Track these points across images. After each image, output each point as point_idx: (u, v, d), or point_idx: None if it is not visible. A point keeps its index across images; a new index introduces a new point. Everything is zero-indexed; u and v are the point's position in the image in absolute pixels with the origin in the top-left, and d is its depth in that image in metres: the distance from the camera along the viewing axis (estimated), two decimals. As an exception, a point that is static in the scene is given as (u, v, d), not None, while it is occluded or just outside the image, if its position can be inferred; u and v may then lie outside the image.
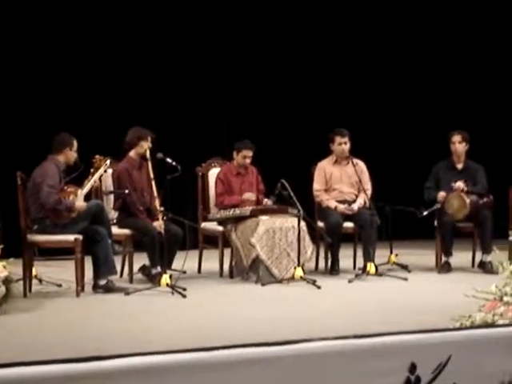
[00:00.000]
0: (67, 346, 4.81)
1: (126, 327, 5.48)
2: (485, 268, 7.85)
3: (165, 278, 6.66)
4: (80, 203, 6.78)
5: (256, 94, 10.57)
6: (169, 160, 7.31)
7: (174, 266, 7.37)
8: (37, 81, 9.38)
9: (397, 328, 4.17)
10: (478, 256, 8.09)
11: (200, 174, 8.09)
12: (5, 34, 9.25)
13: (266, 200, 7.81)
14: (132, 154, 7.51)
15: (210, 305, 6.43)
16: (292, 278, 7.20)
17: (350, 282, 7.31)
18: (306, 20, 10.69)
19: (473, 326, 4.27)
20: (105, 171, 7.21)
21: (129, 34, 9.87)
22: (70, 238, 6.72)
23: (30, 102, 9.35)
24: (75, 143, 6.95)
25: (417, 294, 6.80)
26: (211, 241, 8.01)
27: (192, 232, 8.62)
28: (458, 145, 8.14)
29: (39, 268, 7.31)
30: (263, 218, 7.48)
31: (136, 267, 7.44)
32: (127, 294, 6.65)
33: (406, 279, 7.41)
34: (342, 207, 7.93)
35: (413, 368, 3.01)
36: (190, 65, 10.25)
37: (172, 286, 6.63)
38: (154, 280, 6.95)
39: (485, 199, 7.96)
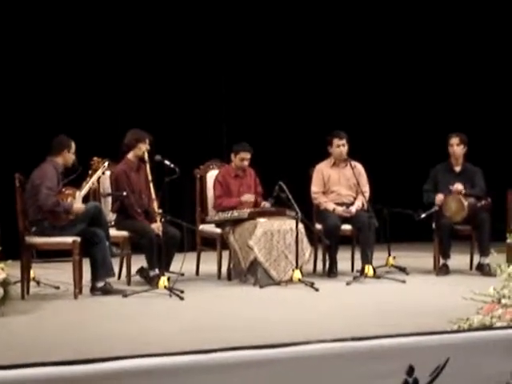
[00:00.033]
0: (65, 348, 4.81)
1: (123, 329, 5.48)
2: (483, 270, 7.85)
3: (163, 280, 6.66)
4: (78, 205, 6.78)
5: (254, 97, 10.58)
6: (167, 162, 7.31)
7: (171, 268, 7.36)
8: (35, 83, 9.39)
9: (395, 330, 4.18)
10: (476, 258, 8.10)
11: (198, 176, 8.09)
12: (4, 37, 9.25)
13: (264, 202, 7.81)
14: (130, 156, 7.51)
15: (207, 307, 6.42)
16: (290, 281, 7.20)
17: (347, 284, 7.31)
18: (305, 22, 10.70)
19: (471, 329, 4.27)
20: (103, 173, 7.20)
21: (127, 35, 9.89)
22: (68, 240, 6.71)
23: (29, 104, 9.36)
24: (73, 145, 6.95)
25: (415, 297, 6.79)
26: (209, 243, 8.01)
27: (190, 234, 8.64)
28: (456, 147, 8.14)
29: (37, 270, 7.31)
30: (261, 220, 7.48)
31: (134, 269, 7.44)
32: (125, 296, 6.65)
33: (403, 282, 7.40)
34: (340, 209, 7.93)
35: (411, 370, 3.01)
36: (189, 67, 10.26)
37: (170, 289, 6.62)
38: (152, 282, 6.95)
39: (483, 202, 7.96)
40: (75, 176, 6.97)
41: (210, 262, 7.89)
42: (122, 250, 7.47)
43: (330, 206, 7.96)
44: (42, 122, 9.12)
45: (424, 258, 8.57)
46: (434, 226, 8.07)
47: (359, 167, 8.16)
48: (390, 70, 11.02)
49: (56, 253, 7.37)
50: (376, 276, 7.49)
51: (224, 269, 7.73)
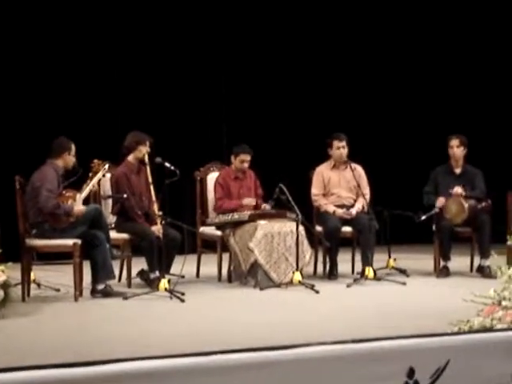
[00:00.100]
0: (65, 351, 4.81)
1: (124, 332, 5.47)
2: (483, 272, 7.85)
3: (163, 283, 6.66)
4: (78, 208, 6.78)
5: (254, 99, 10.58)
6: (167, 164, 7.31)
7: (172, 270, 7.37)
8: (35, 85, 9.39)
9: (395, 332, 4.17)
10: (477, 260, 8.10)
11: (198, 178, 8.09)
12: (4, 38, 9.26)
13: (264, 205, 7.81)
14: (130, 158, 7.51)
15: (208, 309, 6.42)
16: (290, 283, 7.20)
17: (348, 286, 7.31)
18: (304, 24, 10.70)
19: (471, 331, 4.27)
20: (103, 176, 7.20)
21: (127, 36, 9.89)
22: (69, 242, 6.72)
23: (29, 106, 9.36)
24: (73, 147, 6.95)
25: (415, 299, 6.79)
26: (209, 245, 8.01)
27: (190, 236, 8.63)
28: (456, 149, 8.14)
29: (38, 272, 7.31)
30: (261, 222, 7.48)
31: (134, 272, 7.44)
32: (125, 298, 6.65)
33: (404, 284, 7.41)
34: (340, 212, 7.93)
35: (411, 373, 3.01)
36: (189, 69, 10.26)
37: (170, 291, 6.62)
38: (153, 284, 6.95)
39: (483, 204, 7.97)
40: (76, 178, 6.97)
41: (210, 264, 7.89)
42: (122, 252, 7.47)
43: (331, 208, 7.96)
44: (42, 125, 9.11)
45: (424, 260, 8.57)
46: (434, 228, 8.07)
47: (359, 169, 8.16)
48: (390, 72, 11.02)
49: (56, 255, 7.36)
50: (376, 278, 7.49)
51: (224, 271, 7.72)
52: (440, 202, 7.95)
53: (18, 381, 2.47)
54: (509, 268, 4.77)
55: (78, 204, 6.80)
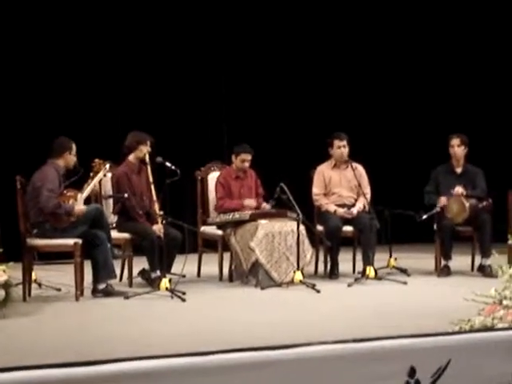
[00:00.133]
0: (66, 350, 4.81)
1: (125, 331, 5.48)
2: (484, 272, 7.84)
3: (164, 282, 6.67)
4: (79, 207, 6.78)
5: (255, 98, 10.58)
6: (168, 164, 7.31)
7: (173, 269, 7.36)
8: (36, 85, 9.40)
9: (396, 332, 4.17)
10: (478, 260, 8.09)
11: (199, 177, 8.09)
12: (5, 39, 9.26)
13: (264, 204, 7.81)
14: (131, 158, 7.51)
15: (209, 309, 6.42)
16: (291, 282, 7.20)
17: (349, 285, 7.31)
18: (305, 24, 10.70)
19: (472, 330, 4.27)
20: (104, 175, 7.20)
21: (127, 36, 9.89)
22: (70, 242, 6.72)
23: (30, 106, 9.36)
24: (74, 147, 6.96)
25: (416, 298, 6.79)
26: (210, 245, 8.01)
27: (191, 236, 8.62)
28: (457, 148, 8.14)
29: (39, 272, 7.31)
30: (262, 221, 7.48)
31: (135, 271, 7.44)
32: (126, 298, 6.65)
33: (405, 283, 7.40)
34: (341, 211, 7.93)
35: (412, 372, 3.01)
36: (189, 69, 10.26)
37: (171, 290, 6.62)
38: (154, 284, 6.95)
39: (484, 203, 7.97)
40: (76, 178, 6.97)
41: (211, 264, 7.89)
42: (123, 251, 7.47)
43: (332, 208, 7.96)
44: (42, 125, 9.12)
45: (425, 259, 8.57)
46: (435, 227, 8.07)
47: (360, 169, 8.15)
48: (391, 71, 11.02)
49: (57, 255, 7.36)
50: (377, 277, 7.49)
51: (225, 270, 7.72)
52: (441, 201, 7.95)
53: (19, 380, 2.47)
54: (510, 267, 4.77)
55: (79, 204, 6.80)
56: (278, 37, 10.59)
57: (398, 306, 6.35)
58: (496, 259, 5.65)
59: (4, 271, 5.84)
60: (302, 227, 7.39)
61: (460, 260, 8.25)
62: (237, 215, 7.59)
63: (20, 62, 9.34)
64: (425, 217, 7.91)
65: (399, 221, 8.22)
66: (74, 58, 9.56)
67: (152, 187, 7.31)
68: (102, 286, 6.81)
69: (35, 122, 9.25)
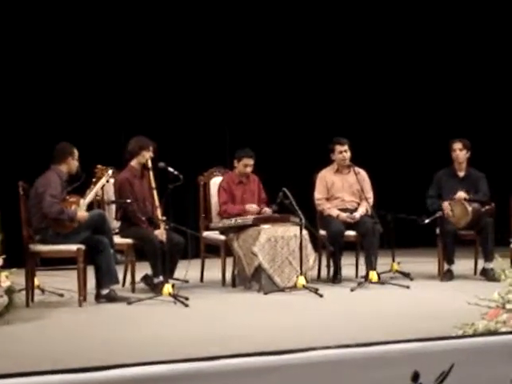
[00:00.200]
0: (69, 356, 4.81)
1: (128, 337, 5.48)
2: (487, 275, 7.83)
3: (167, 288, 6.66)
4: (82, 213, 6.79)
5: (257, 103, 10.58)
6: (170, 169, 7.31)
7: (176, 275, 7.37)
8: (38, 91, 9.41)
9: (399, 336, 4.17)
10: (480, 264, 8.09)
11: (202, 182, 8.09)
12: (7, 45, 9.27)
13: (265, 209, 7.80)
14: (133, 163, 7.51)
15: (212, 314, 6.42)
16: (294, 287, 7.19)
17: (352, 290, 7.30)
18: (307, 29, 10.71)
19: (475, 334, 4.27)
20: (107, 181, 7.20)
21: (130, 41, 9.91)
22: (73, 247, 6.72)
23: (32, 112, 9.37)
24: (76, 152, 6.97)
25: (419, 302, 6.79)
26: (213, 250, 8.01)
27: (194, 241, 8.65)
28: (459, 152, 8.14)
29: (42, 278, 7.31)
30: (265, 226, 7.48)
31: (138, 276, 7.44)
32: (129, 303, 6.65)
33: (408, 287, 7.40)
34: (343, 215, 7.92)
35: (415, 376, 3.00)
36: (191, 74, 10.27)
37: (174, 296, 6.62)
38: (157, 289, 6.95)
39: (486, 207, 7.97)
40: (79, 184, 6.98)
41: (214, 269, 7.89)
42: (126, 257, 7.48)
43: (334, 212, 7.95)
44: (45, 130, 9.13)
45: (428, 263, 8.56)
46: (437, 231, 8.06)
47: (363, 173, 8.16)
48: (393, 76, 11.02)
49: (60, 260, 7.37)
50: (380, 282, 7.49)
51: (228, 275, 7.72)
52: (445, 207, 7.94)
53: (23, 386, 2.47)
54: (513, 271, 4.77)
55: (81, 209, 6.81)
56: (281, 43, 10.60)
57: (401, 311, 6.34)
58: (499, 263, 5.62)
59: (7, 277, 5.84)
60: (304, 232, 7.39)
61: (463, 264, 8.24)
62: (239, 220, 7.58)
63: (23, 67, 9.35)
64: (427, 221, 7.91)
65: (402, 225, 8.22)
66: (76, 63, 9.58)
67: (154, 192, 7.31)
68: (104, 292, 6.81)
69: (37, 128, 9.27)
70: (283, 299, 6.99)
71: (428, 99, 11.10)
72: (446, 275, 7.97)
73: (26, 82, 9.36)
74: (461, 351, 3.14)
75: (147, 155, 7.42)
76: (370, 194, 8.10)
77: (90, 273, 6.91)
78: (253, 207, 7.78)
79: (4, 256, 6.08)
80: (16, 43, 9.33)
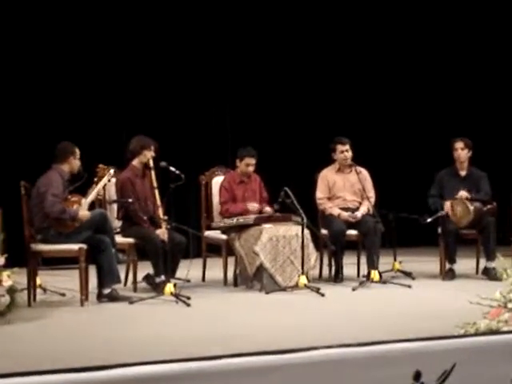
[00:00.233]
0: (71, 355, 4.81)
1: (130, 336, 5.47)
2: (489, 275, 7.83)
3: (169, 287, 6.66)
4: (84, 212, 6.79)
5: (259, 103, 10.59)
6: (172, 168, 7.31)
7: (177, 274, 7.37)
8: (39, 90, 9.42)
9: (401, 335, 4.17)
10: (482, 263, 8.08)
11: (203, 182, 8.09)
12: (8, 44, 9.28)
13: (266, 208, 7.80)
14: (135, 162, 7.51)
15: (214, 313, 6.42)
16: (296, 286, 7.19)
17: (353, 289, 7.30)
18: (308, 29, 10.72)
19: (477, 333, 4.27)
20: (109, 180, 7.20)
21: (131, 41, 9.92)
22: (74, 247, 6.72)
23: (33, 111, 9.38)
24: (78, 151, 6.97)
25: (421, 302, 6.79)
26: (215, 249, 8.01)
27: (195, 240, 8.65)
28: (461, 151, 8.14)
29: (43, 277, 7.32)
30: (266, 226, 7.48)
31: (140, 276, 7.44)
32: (131, 302, 6.65)
33: (409, 286, 7.40)
34: (345, 215, 7.92)
35: (417, 376, 3.00)
36: (193, 73, 10.28)
37: (176, 295, 6.62)
38: (158, 289, 6.95)
39: (488, 206, 7.96)
40: (81, 183, 6.98)
41: (215, 268, 7.90)
42: (127, 256, 7.48)
43: (336, 212, 7.95)
44: (46, 130, 9.14)
45: (430, 262, 8.56)
46: (439, 230, 8.06)
47: (364, 173, 8.16)
48: (394, 75, 11.02)
49: (62, 260, 7.38)
50: (382, 281, 7.49)
51: (230, 275, 7.72)
52: (447, 207, 7.93)
53: (25, 386, 2.47)
54: (514, 270, 4.76)
55: (83, 209, 6.81)
56: (283, 43, 10.61)
57: (403, 310, 6.34)
58: (501, 262, 5.63)
59: (9, 276, 5.85)
60: (306, 231, 7.38)
61: (464, 263, 8.24)
62: (241, 219, 7.58)
63: (24, 68, 9.36)
64: (429, 220, 7.91)
65: (403, 224, 8.22)
66: (77, 63, 9.59)
67: (156, 192, 7.32)
68: (106, 291, 6.81)
69: (39, 128, 9.27)
70: (285, 299, 6.99)
71: (429, 98, 11.10)
72: (448, 274, 7.96)
73: (28, 82, 9.37)
74: (463, 350, 3.14)
75: (149, 154, 7.42)
76: (371, 194, 8.10)
77: (92, 272, 6.92)
78: (254, 206, 7.78)
79: (6, 255, 6.08)
80: (18, 43, 9.33)
